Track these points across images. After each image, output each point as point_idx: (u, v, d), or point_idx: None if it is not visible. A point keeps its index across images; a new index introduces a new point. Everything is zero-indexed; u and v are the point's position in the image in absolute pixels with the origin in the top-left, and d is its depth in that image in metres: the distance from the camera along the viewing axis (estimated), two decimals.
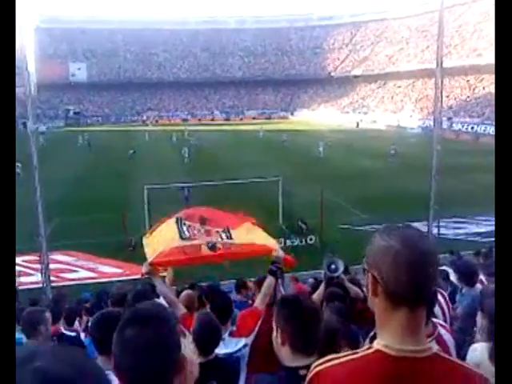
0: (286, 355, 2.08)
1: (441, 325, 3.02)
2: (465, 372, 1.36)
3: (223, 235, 4.81)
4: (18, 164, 30.38)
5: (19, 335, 5.97)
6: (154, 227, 5.32)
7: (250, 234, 4.88)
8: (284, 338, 2.06)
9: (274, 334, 2.14)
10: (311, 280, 8.86)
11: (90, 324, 3.89)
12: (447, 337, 2.84)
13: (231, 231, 4.86)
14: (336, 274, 4.83)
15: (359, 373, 1.33)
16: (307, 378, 1.48)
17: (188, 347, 2.12)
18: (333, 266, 4.90)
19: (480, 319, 3.03)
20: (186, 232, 4.81)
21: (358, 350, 1.40)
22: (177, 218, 5.00)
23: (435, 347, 2.58)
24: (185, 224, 4.92)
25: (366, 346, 1.39)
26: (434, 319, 3.03)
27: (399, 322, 1.31)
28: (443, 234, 16.03)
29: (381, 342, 1.34)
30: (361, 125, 65.54)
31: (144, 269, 4.27)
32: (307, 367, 1.83)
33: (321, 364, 1.43)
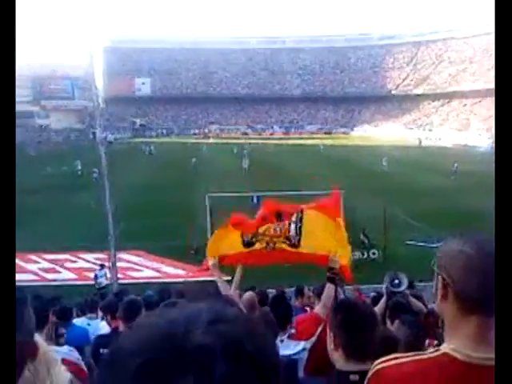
0: (338, 359, 2.09)
1: None
2: None
3: (292, 230, 4.65)
4: (95, 169, 33.14)
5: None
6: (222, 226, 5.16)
7: (321, 235, 4.60)
8: (337, 343, 2.08)
9: (328, 338, 2.15)
10: (372, 294, 8.55)
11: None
12: None
13: (304, 220, 4.67)
14: (399, 290, 4.72)
15: (423, 373, 1.31)
16: (368, 375, 1.47)
17: None
18: (396, 281, 4.81)
19: None
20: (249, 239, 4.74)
21: (425, 352, 1.38)
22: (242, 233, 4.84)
23: None
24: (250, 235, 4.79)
25: (434, 349, 1.36)
26: None
27: (469, 329, 1.28)
28: None
29: (449, 346, 1.31)
30: (426, 142, 63.91)
31: (211, 261, 4.37)
32: (359, 373, 1.90)
33: (384, 362, 1.41)
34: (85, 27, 12.79)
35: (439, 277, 1.33)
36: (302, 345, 3.39)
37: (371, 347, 2.04)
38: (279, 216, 4.81)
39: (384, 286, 5.02)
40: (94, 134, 62.27)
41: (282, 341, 3.39)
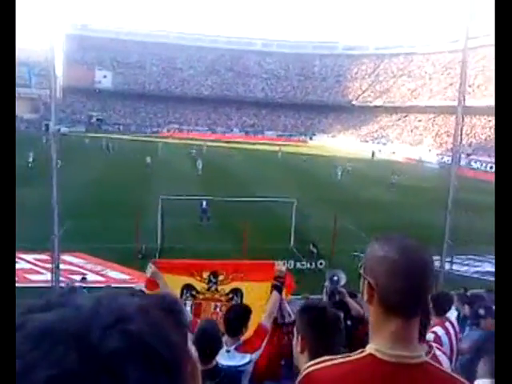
0: (304, 362, 2.06)
1: (438, 348, 3.05)
2: (454, 382, 1.38)
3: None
4: (58, 161, 32.17)
5: None
6: (163, 264, 4.82)
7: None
8: (303, 345, 2.05)
9: (294, 341, 2.14)
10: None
11: None
12: (443, 358, 2.88)
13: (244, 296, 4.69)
14: (338, 286, 4.78)
15: (349, 375, 1.34)
16: (299, 378, 1.48)
17: (194, 354, 2.17)
18: (335, 278, 4.87)
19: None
20: (188, 304, 4.67)
21: (350, 354, 1.40)
22: (183, 287, 4.72)
23: None
24: (189, 291, 4.74)
25: (359, 350, 1.39)
26: (433, 343, 3.08)
27: (392, 330, 1.32)
28: (457, 271, 15.91)
29: (373, 347, 1.35)
30: (379, 155, 65.47)
31: (149, 271, 4.25)
32: None
33: (312, 365, 1.44)
34: (48, 10, 11.77)
35: (365, 280, 1.36)
36: (248, 357, 3.41)
37: (337, 350, 2.02)
38: (214, 275, 4.78)
39: (325, 283, 5.07)
40: (46, 125, 60.36)
41: (228, 351, 3.38)
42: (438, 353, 2.87)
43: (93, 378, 0.48)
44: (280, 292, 4.00)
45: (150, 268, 4.25)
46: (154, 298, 1.46)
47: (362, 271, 1.40)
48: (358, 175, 41.96)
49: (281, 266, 4.25)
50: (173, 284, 4.47)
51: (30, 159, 35.14)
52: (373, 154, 64.42)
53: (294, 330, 2.19)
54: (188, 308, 4.59)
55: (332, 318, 2.18)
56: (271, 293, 4.01)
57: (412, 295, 1.30)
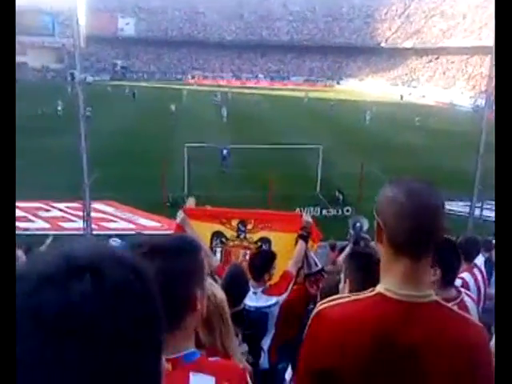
0: None
1: (467, 294, 3.04)
2: (464, 322, 1.40)
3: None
4: (88, 108, 32.99)
5: None
6: (193, 211, 4.77)
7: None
8: (352, 288, 2.16)
9: (342, 285, 2.28)
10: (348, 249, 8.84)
11: None
12: (471, 304, 2.88)
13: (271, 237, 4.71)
14: (361, 232, 4.84)
15: (359, 313, 1.39)
16: (311, 315, 1.53)
17: (222, 296, 2.21)
18: (358, 224, 4.93)
19: None
20: (218, 251, 4.71)
21: (361, 293, 1.46)
22: (212, 234, 4.75)
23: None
24: (219, 238, 4.75)
25: (370, 289, 1.44)
26: (461, 288, 3.05)
27: (401, 269, 1.36)
28: (487, 216, 15.60)
29: (383, 286, 1.39)
30: (409, 98, 63.66)
31: (178, 218, 4.28)
32: None
33: (326, 303, 1.49)
34: None
35: (376, 221, 1.42)
36: (274, 299, 3.54)
37: None
38: (243, 223, 4.80)
39: (349, 230, 5.17)
40: (72, 74, 60.46)
41: (255, 293, 3.51)
42: (465, 298, 2.87)
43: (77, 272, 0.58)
44: (306, 242, 4.06)
45: (180, 215, 4.28)
46: (169, 239, 1.48)
47: (374, 212, 1.43)
48: (385, 119, 41.07)
49: (308, 217, 4.32)
50: (203, 231, 4.52)
51: (59, 107, 35.52)
52: (401, 97, 62.72)
53: (341, 275, 2.35)
54: (218, 255, 4.65)
55: (377, 262, 2.33)
56: (297, 242, 4.07)
57: (419, 235, 1.33)
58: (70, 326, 0.55)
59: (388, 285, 1.38)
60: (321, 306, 1.50)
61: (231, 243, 4.79)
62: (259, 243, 4.76)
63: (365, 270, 2.20)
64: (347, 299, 1.46)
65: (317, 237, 4.67)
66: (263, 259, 3.76)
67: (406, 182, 1.40)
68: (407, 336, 1.32)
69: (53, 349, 0.54)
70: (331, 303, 1.47)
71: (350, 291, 2.12)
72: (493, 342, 1.50)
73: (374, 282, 1.84)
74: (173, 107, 39.34)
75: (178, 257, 1.32)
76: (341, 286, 2.28)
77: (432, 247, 1.37)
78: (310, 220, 4.28)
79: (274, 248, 4.56)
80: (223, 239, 4.78)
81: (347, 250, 4.84)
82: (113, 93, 55.85)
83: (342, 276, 2.32)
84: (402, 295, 1.34)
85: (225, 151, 21.52)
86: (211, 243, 4.71)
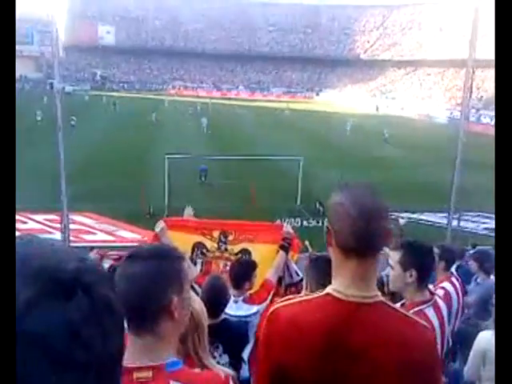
0: None
1: (439, 297, 3.13)
2: (410, 322, 1.46)
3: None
4: (73, 117, 33.72)
5: None
6: (174, 222, 4.78)
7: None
8: (311, 290, 2.28)
9: (303, 291, 2.36)
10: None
11: None
12: (443, 307, 2.96)
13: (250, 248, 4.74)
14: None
15: (308, 313, 1.44)
16: (267, 315, 1.58)
17: (199, 306, 2.23)
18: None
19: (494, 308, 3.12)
20: (199, 262, 4.72)
21: (312, 294, 1.53)
22: (194, 245, 4.73)
23: (430, 312, 2.67)
24: (200, 249, 4.76)
25: (320, 290, 1.49)
26: (436, 291, 3.14)
27: (348, 270, 1.40)
28: (465, 227, 15.89)
29: (332, 287, 1.44)
30: (386, 110, 64.56)
31: (157, 228, 4.23)
32: None
33: (279, 303, 1.56)
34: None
35: (326, 226, 1.47)
36: (254, 308, 3.55)
37: None
38: (224, 235, 4.81)
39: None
40: (51, 84, 59.71)
41: (236, 302, 3.51)
42: (439, 301, 2.93)
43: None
44: (287, 252, 4.12)
45: (159, 225, 4.25)
46: (150, 246, 1.53)
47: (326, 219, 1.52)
48: (363, 131, 41.57)
49: (289, 227, 4.39)
50: (184, 241, 4.52)
51: (39, 117, 35.11)
52: (377, 108, 63.68)
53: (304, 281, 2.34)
54: (199, 266, 4.66)
55: None
56: (278, 252, 4.13)
57: (362, 236, 1.36)
58: (72, 349, 0.53)
59: (336, 286, 1.43)
60: (275, 305, 1.56)
61: (212, 254, 4.80)
62: (239, 255, 4.79)
63: (321, 273, 2.25)
64: (298, 299, 1.52)
65: (297, 247, 4.69)
66: (244, 267, 3.78)
67: (350, 187, 1.46)
68: (353, 336, 1.37)
69: (57, 377, 0.52)
70: (284, 303, 1.53)
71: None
72: (488, 343, 1.53)
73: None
74: (153, 117, 39.17)
75: (155, 261, 1.35)
76: (303, 292, 2.31)
77: (378, 247, 1.43)
78: (291, 230, 4.35)
79: (254, 259, 4.64)
80: (204, 250, 4.79)
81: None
82: (92, 103, 55.37)
83: (304, 281, 2.37)
84: (349, 295, 1.39)
85: (202, 167, 21.21)
86: (192, 254, 4.70)
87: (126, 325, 1.30)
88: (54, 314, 0.53)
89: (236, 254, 4.78)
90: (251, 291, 3.72)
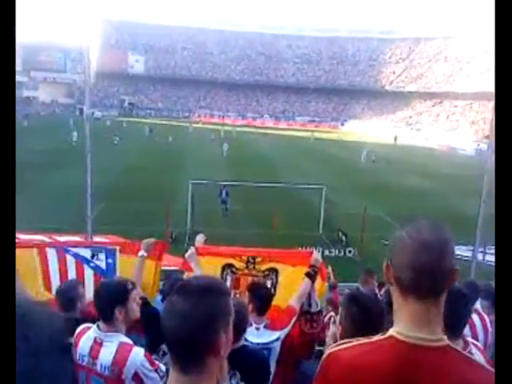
0: None
1: (473, 344, 2.98)
2: (478, 368, 1.36)
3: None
4: (116, 137, 39.75)
5: None
6: (204, 249, 4.77)
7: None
8: (342, 334, 2.17)
9: (333, 328, 2.27)
10: (347, 291, 8.73)
11: None
12: (478, 355, 2.81)
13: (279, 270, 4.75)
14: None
15: (371, 356, 1.36)
16: (322, 359, 1.50)
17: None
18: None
19: None
20: (228, 280, 4.74)
21: (373, 336, 1.43)
22: (223, 266, 4.77)
23: None
24: (229, 269, 4.80)
25: (382, 333, 1.42)
26: (469, 339, 3.00)
27: (409, 310, 1.35)
28: (489, 261, 15.47)
29: (395, 329, 1.37)
30: (413, 141, 64.30)
31: (187, 254, 4.25)
32: None
33: (337, 346, 1.48)
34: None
35: (387, 262, 1.40)
36: (277, 334, 3.46)
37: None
38: (253, 258, 4.84)
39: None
40: (80, 109, 61.57)
41: (257, 329, 3.43)
42: (473, 350, 2.78)
43: None
44: (312, 280, 4.02)
45: (190, 251, 4.28)
46: (198, 279, 1.49)
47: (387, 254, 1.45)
48: (388, 161, 41.36)
49: (318, 255, 4.30)
50: (214, 264, 4.62)
51: (74, 139, 36.53)
52: (395, 138, 63.69)
53: (337, 317, 2.30)
54: (228, 282, 4.66)
55: (376, 313, 2.27)
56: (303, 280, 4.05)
57: (424, 274, 1.30)
58: None
59: (399, 327, 1.36)
60: (332, 348, 1.48)
61: (240, 272, 4.80)
62: (267, 272, 4.76)
63: (359, 322, 2.16)
64: (358, 342, 1.43)
65: (326, 275, 4.68)
66: (268, 292, 3.74)
67: (414, 222, 1.38)
68: (420, 381, 1.30)
69: None
70: (343, 346, 1.45)
71: (341, 337, 2.12)
72: None
73: (368, 333, 1.83)
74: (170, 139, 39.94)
75: (205, 298, 1.31)
76: (332, 328, 2.24)
77: (441, 288, 1.35)
78: (320, 259, 4.25)
79: (280, 278, 4.62)
80: (233, 269, 4.81)
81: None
82: (122, 128, 56.66)
83: (338, 318, 2.28)
84: (412, 337, 1.32)
85: (223, 193, 21.10)
86: (222, 274, 4.73)
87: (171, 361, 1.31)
88: None
89: (263, 272, 4.79)
90: (272, 316, 3.64)
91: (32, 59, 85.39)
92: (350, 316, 2.20)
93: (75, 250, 4.84)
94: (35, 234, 16.87)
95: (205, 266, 4.40)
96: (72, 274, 4.73)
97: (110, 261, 4.78)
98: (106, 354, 2.73)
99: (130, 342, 2.82)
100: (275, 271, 4.75)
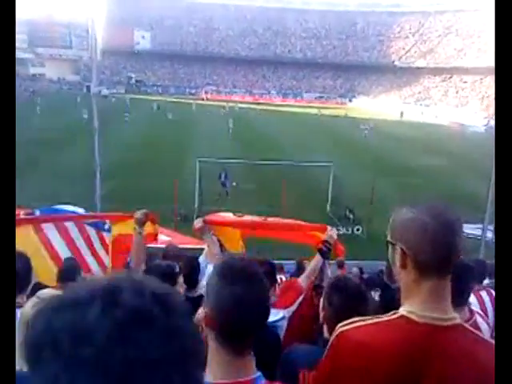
0: (325, 329, 2.20)
1: (480, 314, 2.98)
2: (489, 347, 1.36)
3: None
4: (126, 114, 40.43)
5: None
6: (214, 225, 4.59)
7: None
8: (325, 316, 2.20)
9: (321, 307, 2.24)
10: (355, 269, 8.77)
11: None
12: (484, 326, 2.81)
13: None
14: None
15: (381, 335, 1.36)
16: (331, 338, 1.51)
17: None
18: None
19: None
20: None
21: (382, 315, 1.42)
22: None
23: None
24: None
25: (392, 312, 1.41)
26: (474, 308, 2.99)
27: (426, 290, 1.35)
28: None
29: (406, 309, 1.37)
30: (422, 118, 63.63)
31: (197, 224, 4.11)
32: None
33: (345, 325, 1.46)
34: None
35: (396, 247, 1.39)
36: (281, 314, 3.35)
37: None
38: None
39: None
40: (87, 87, 61.31)
41: None
42: (478, 319, 2.78)
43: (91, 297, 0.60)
44: (324, 257, 3.89)
45: (199, 222, 4.12)
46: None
47: (389, 239, 1.42)
48: (396, 139, 41.02)
49: (333, 231, 4.12)
50: (231, 235, 4.60)
51: (85, 115, 36.44)
52: (401, 114, 63.16)
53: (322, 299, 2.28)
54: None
55: (359, 299, 2.25)
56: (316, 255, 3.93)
57: (446, 254, 1.33)
58: (80, 351, 0.55)
59: (411, 307, 1.36)
60: (340, 327, 1.47)
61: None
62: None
63: (339, 307, 2.16)
64: (368, 321, 1.42)
65: (341, 251, 4.54)
66: (272, 268, 3.62)
67: (423, 203, 1.39)
68: (432, 360, 1.30)
69: (65, 376, 0.54)
70: (352, 325, 1.44)
71: (323, 319, 2.17)
72: None
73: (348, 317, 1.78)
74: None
75: (257, 282, 1.38)
76: (320, 308, 2.23)
77: (454, 264, 1.37)
78: (334, 235, 4.05)
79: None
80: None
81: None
82: (129, 105, 56.51)
83: (322, 300, 2.27)
84: (426, 317, 1.33)
85: (223, 175, 20.47)
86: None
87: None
88: (69, 319, 0.57)
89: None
90: (277, 294, 3.55)
91: (37, 35, 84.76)
92: (331, 301, 2.20)
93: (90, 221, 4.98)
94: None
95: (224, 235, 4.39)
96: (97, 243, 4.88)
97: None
98: None
99: None
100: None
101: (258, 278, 1.39)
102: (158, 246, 5.94)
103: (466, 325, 1.41)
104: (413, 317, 1.34)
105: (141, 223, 3.81)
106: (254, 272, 1.40)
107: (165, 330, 0.61)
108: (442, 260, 1.33)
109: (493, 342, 1.42)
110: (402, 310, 1.38)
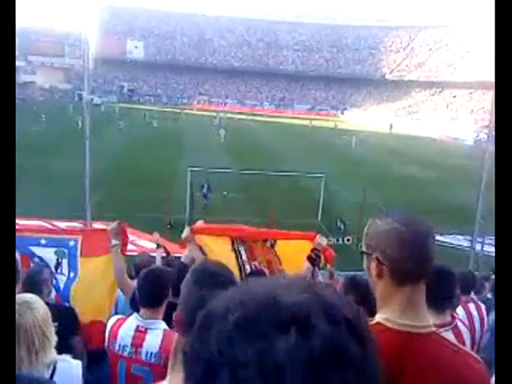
0: None
1: (460, 320, 3.00)
2: (463, 356, 1.37)
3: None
4: (120, 122, 40.77)
5: None
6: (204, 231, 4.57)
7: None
8: None
9: None
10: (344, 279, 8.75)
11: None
12: (464, 330, 2.84)
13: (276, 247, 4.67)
14: None
15: None
16: None
17: None
18: None
19: None
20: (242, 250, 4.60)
21: None
22: (233, 242, 4.58)
23: (450, 336, 2.54)
24: (238, 239, 4.62)
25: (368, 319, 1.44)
26: (456, 314, 3.01)
27: (402, 298, 1.36)
28: (487, 252, 15.50)
29: (382, 316, 1.39)
30: (413, 131, 64.22)
31: (184, 233, 4.08)
32: None
33: None
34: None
35: (372, 257, 1.39)
36: None
37: None
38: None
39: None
40: (79, 95, 61.13)
41: None
42: (459, 324, 2.83)
43: (281, 323, 0.50)
44: (313, 264, 3.93)
45: (186, 231, 4.11)
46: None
47: (364, 249, 1.44)
48: (387, 151, 41.28)
49: (322, 239, 4.18)
50: (220, 242, 4.48)
51: (79, 122, 36.43)
52: (391, 126, 63.72)
53: None
54: (243, 253, 4.56)
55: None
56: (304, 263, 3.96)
57: (421, 262, 1.35)
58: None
59: (387, 315, 1.37)
60: None
61: (250, 241, 4.64)
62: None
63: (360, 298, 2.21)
64: None
65: (330, 257, 4.51)
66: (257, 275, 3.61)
67: (396, 214, 1.42)
68: (405, 367, 1.30)
69: None
70: None
71: None
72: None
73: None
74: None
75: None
76: None
77: (429, 273, 1.39)
78: (323, 242, 4.12)
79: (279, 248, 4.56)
80: (243, 240, 4.63)
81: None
82: (120, 114, 56.38)
83: None
84: (401, 325, 1.34)
85: (205, 187, 20.02)
86: (233, 245, 4.56)
87: None
88: (259, 346, 0.49)
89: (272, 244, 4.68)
90: None
91: (29, 43, 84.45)
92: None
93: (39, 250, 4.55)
94: (35, 220, 16.81)
95: (212, 244, 4.28)
96: None
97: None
98: (153, 342, 2.70)
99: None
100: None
101: (228, 282, 1.38)
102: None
103: (441, 334, 1.42)
104: (388, 324, 1.36)
105: (116, 234, 3.83)
106: (224, 276, 1.41)
107: (361, 369, 0.52)
108: (417, 268, 1.35)
109: (466, 350, 1.44)
110: (378, 317, 1.39)
